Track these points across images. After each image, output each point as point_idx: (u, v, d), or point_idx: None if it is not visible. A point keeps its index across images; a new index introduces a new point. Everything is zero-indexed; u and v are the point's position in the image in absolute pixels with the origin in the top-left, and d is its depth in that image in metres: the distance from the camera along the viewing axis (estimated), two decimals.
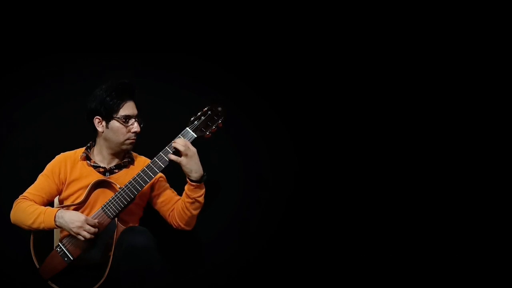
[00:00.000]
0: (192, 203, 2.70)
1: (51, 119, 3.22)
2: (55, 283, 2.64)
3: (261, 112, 3.24)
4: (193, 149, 2.62)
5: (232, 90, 3.19)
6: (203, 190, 2.70)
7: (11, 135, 3.21)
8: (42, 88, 3.21)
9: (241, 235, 3.26)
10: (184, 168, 2.64)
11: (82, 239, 2.59)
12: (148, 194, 2.85)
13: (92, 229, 2.59)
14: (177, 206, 2.77)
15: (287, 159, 3.27)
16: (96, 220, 2.61)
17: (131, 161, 2.85)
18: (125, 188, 2.65)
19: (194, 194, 2.69)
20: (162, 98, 3.22)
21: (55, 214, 2.61)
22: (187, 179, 2.67)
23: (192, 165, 2.62)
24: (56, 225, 2.61)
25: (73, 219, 2.58)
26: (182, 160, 2.61)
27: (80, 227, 2.57)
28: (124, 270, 2.51)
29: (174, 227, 2.81)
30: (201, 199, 2.71)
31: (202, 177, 2.67)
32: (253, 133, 3.25)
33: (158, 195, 2.85)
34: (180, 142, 2.62)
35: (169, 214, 2.81)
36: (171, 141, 2.66)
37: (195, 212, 2.73)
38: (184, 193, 2.72)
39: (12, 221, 2.71)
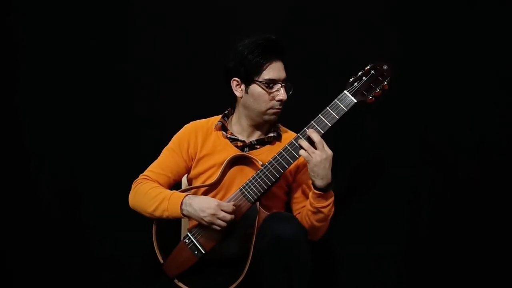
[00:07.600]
0: (314, 213, 2.31)
1: (182, 80, 2.96)
2: (182, 282, 2.33)
3: None
4: (329, 152, 2.23)
5: None
6: (330, 201, 2.30)
7: (132, 100, 3.00)
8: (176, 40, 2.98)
9: None
10: (310, 171, 2.25)
11: (218, 229, 2.26)
12: (292, 176, 2.45)
13: (228, 216, 2.24)
14: (304, 210, 2.38)
15: None
16: (232, 204, 2.27)
17: (278, 137, 2.46)
18: (268, 166, 2.27)
19: (318, 203, 2.29)
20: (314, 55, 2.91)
21: (182, 201, 2.29)
22: (312, 184, 2.29)
23: (321, 169, 2.23)
24: (183, 214, 2.29)
25: (203, 207, 2.26)
26: (310, 159, 2.23)
27: (213, 214, 2.24)
28: (268, 266, 2.18)
29: None
30: (326, 210, 2.30)
31: (328, 185, 2.27)
32: None
33: (297, 183, 2.45)
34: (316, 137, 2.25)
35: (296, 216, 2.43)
36: (326, 107, 2.30)
37: (318, 224, 2.33)
38: (308, 199, 2.34)
39: (130, 206, 2.43)
